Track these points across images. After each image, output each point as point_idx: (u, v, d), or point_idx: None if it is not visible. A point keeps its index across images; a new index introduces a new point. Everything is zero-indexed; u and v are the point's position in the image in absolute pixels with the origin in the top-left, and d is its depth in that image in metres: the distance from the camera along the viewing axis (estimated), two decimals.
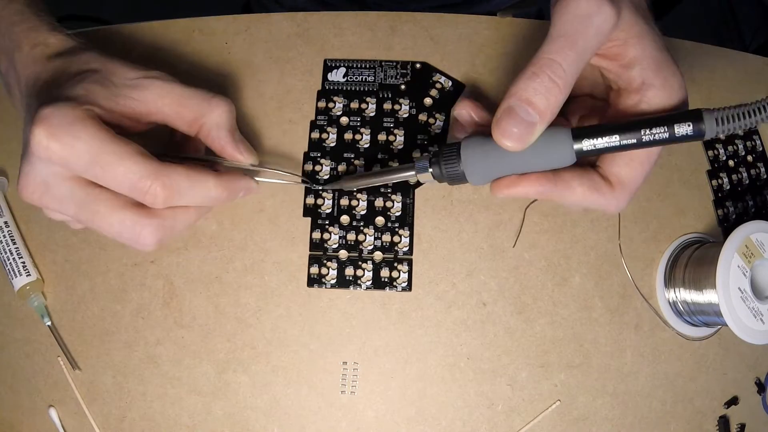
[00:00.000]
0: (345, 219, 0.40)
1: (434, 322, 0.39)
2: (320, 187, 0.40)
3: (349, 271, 0.39)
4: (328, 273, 0.39)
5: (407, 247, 0.40)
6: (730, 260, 0.36)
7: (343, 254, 0.39)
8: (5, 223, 0.40)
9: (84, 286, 0.40)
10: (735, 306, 0.35)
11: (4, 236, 0.40)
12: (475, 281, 0.40)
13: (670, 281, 0.40)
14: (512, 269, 0.40)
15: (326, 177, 0.40)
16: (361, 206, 0.40)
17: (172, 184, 0.31)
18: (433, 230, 0.40)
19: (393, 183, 0.40)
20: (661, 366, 0.40)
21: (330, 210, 0.40)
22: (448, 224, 0.40)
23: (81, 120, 0.30)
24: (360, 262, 0.39)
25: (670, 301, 0.40)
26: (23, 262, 0.39)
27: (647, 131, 0.29)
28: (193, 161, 0.36)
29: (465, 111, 0.34)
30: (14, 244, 0.40)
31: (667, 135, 0.29)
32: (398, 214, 0.40)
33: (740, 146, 0.43)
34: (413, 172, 0.34)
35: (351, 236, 0.40)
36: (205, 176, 0.33)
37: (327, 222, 0.40)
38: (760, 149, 0.44)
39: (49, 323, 0.39)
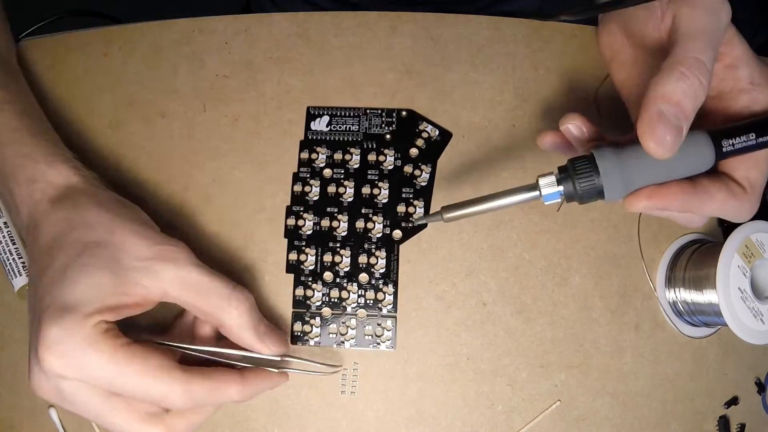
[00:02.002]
0: (328, 275, 0.39)
1: (434, 322, 0.39)
2: (417, 222, 0.39)
3: (332, 327, 0.39)
4: (312, 330, 0.39)
5: (391, 305, 0.39)
6: (730, 260, 0.36)
7: (326, 311, 0.39)
8: (5, 223, 0.40)
9: None
10: (735, 306, 0.35)
11: (4, 236, 0.40)
12: (475, 281, 0.40)
13: (670, 281, 0.40)
14: (512, 269, 0.40)
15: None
16: (345, 262, 0.39)
17: (194, 399, 0.30)
18: (430, 235, 0.40)
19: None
20: (661, 366, 0.40)
21: (313, 266, 0.39)
22: (447, 225, 0.40)
23: (92, 344, 0.28)
24: (343, 320, 0.39)
25: (670, 301, 0.40)
26: (23, 262, 0.39)
27: None
28: (213, 354, 0.33)
29: (573, 125, 0.31)
30: (14, 244, 0.40)
31: None
32: (382, 270, 0.39)
33: None
34: (537, 193, 0.30)
35: (334, 293, 0.39)
36: (228, 385, 0.31)
37: (310, 279, 0.39)
38: None
39: None
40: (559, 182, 0.30)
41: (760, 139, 0.29)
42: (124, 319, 0.31)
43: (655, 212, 0.31)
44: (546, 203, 0.30)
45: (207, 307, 0.32)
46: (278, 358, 0.34)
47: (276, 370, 0.34)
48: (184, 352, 0.33)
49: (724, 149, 0.29)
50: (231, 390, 0.31)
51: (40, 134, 0.34)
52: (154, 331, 0.37)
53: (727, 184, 0.31)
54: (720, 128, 0.29)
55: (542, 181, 0.30)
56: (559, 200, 0.30)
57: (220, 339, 0.35)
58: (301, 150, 0.41)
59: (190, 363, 0.34)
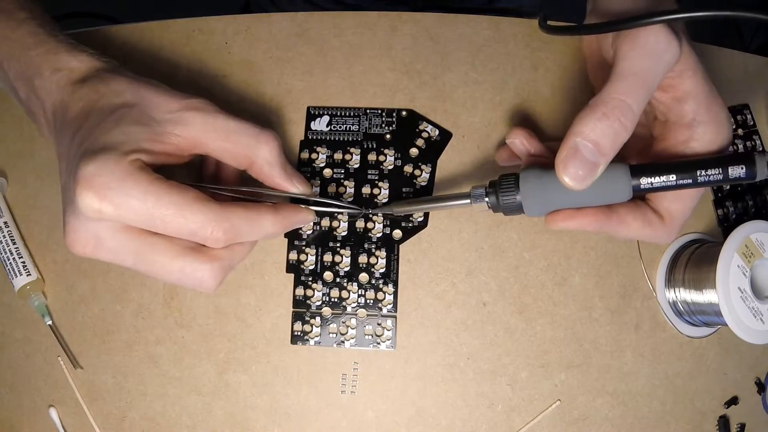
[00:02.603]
0: (328, 275, 0.39)
1: (434, 322, 0.39)
2: (371, 212, 0.39)
3: (332, 327, 0.39)
4: (312, 330, 0.39)
5: (391, 305, 0.39)
6: (730, 260, 0.36)
7: (326, 311, 0.39)
8: (5, 223, 0.40)
9: (84, 286, 0.40)
10: (735, 306, 0.35)
11: (4, 236, 0.40)
12: (475, 281, 0.40)
13: (670, 281, 0.40)
14: (512, 269, 0.40)
15: (379, 203, 0.40)
16: (345, 262, 0.39)
17: (232, 227, 0.30)
18: (430, 235, 0.40)
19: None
20: (661, 366, 0.40)
21: (313, 266, 0.40)
22: (448, 224, 0.40)
23: (130, 175, 0.28)
24: (343, 320, 0.39)
25: (670, 301, 0.40)
26: (23, 262, 0.39)
27: (702, 172, 0.30)
28: (246, 193, 0.35)
29: (518, 140, 0.34)
30: (14, 244, 0.40)
31: (721, 176, 0.29)
32: (382, 270, 0.39)
33: (740, 147, 0.43)
34: (468, 201, 0.34)
35: (334, 293, 0.39)
36: (263, 215, 0.32)
37: (310, 278, 0.39)
38: (761, 149, 0.44)
39: (50, 323, 0.39)
40: (486, 194, 0.33)
41: (680, 181, 0.30)
42: None
43: (569, 230, 0.33)
44: (476, 211, 0.35)
45: (238, 148, 0.32)
46: (304, 196, 0.36)
47: (303, 207, 0.35)
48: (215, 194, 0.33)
49: (642, 186, 0.30)
50: (266, 220, 0.32)
51: (61, 36, 0.35)
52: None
53: (645, 213, 0.32)
54: (643, 164, 0.31)
55: (473, 192, 0.34)
56: (486, 209, 0.34)
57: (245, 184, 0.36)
58: (301, 150, 0.41)
59: None
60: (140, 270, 0.30)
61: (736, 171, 0.29)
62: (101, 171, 0.28)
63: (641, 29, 0.29)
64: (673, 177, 0.30)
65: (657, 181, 0.30)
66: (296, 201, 0.36)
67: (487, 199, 0.33)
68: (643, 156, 0.35)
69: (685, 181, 0.30)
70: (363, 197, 0.40)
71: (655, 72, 0.29)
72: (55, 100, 0.32)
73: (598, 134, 0.28)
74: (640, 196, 0.33)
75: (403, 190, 0.40)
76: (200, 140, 0.32)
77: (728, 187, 0.42)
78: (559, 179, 0.29)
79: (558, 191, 0.31)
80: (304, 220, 0.35)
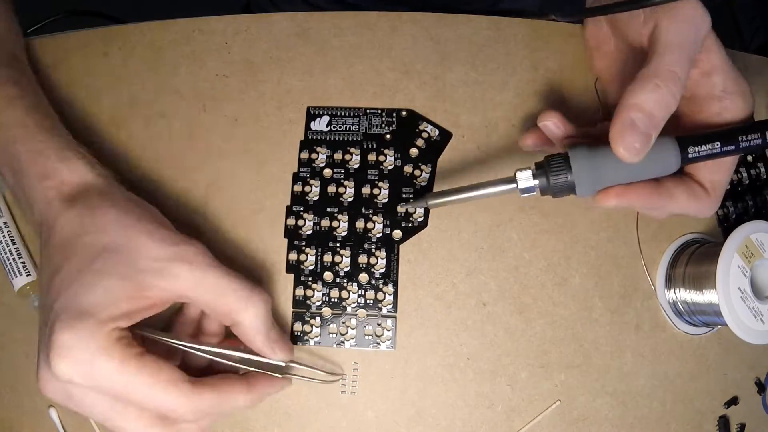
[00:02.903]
0: (328, 275, 0.39)
1: (434, 322, 0.39)
2: (404, 207, 0.39)
3: (332, 327, 0.39)
4: (312, 330, 0.39)
5: (391, 305, 0.39)
6: (730, 260, 0.36)
7: (326, 311, 0.39)
8: (5, 223, 0.40)
9: None
10: (735, 306, 0.35)
11: (4, 236, 0.40)
12: (475, 281, 0.40)
13: (670, 281, 0.40)
14: (512, 269, 0.40)
15: (411, 196, 0.39)
16: (345, 262, 0.39)
17: (201, 411, 0.30)
18: (430, 235, 0.40)
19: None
20: (661, 366, 0.40)
21: (313, 266, 0.39)
22: (448, 224, 0.40)
23: (105, 351, 0.28)
24: (343, 320, 0.39)
25: (670, 301, 0.40)
26: (23, 262, 0.39)
27: (744, 138, 0.30)
28: (218, 355, 0.33)
29: (551, 122, 0.34)
30: (14, 244, 0.40)
31: (760, 141, 0.30)
32: (382, 270, 0.39)
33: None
34: (514, 185, 0.32)
35: (334, 293, 0.39)
36: (235, 394, 0.31)
37: (310, 278, 0.39)
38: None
39: None
40: (534, 177, 0.32)
41: (724, 148, 0.31)
42: None
43: (621, 208, 0.33)
44: (522, 196, 0.33)
45: (224, 308, 0.31)
46: (282, 364, 0.35)
47: (279, 376, 0.35)
48: (187, 351, 0.33)
49: (690, 155, 0.31)
50: (238, 398, 0.31)
51: (51, 130, 0.33)
52: (158, 322, 0.37)
53: (690, 186, 0.33)
54: (688, 136, 0.31)
55: (519, 175, 0.32)
56: (535, 193, 0.33)
57: (227, 335, 0.35)
58: (301, 150, 0.41)
59: (192, 363, 0.35)
60: (108, 429, 0.30)
61: None
62: (75, 344, 0.27)
63: (679, 3, 0.30)
64: (717, 144, 0.31)
65: (703, 149, 0.31)
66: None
67: (536, 181, 0.32)
68: (679, 131, 0.35)
69: (729, 148, 0.31)
70: (363, 197, 0.40)
71: (696, 43, 0.30)
72: (41, 212, 0.32)
73: (652, 105, 0.29)
74: (680, 170, 0.33)
75: (403, 190, 0.40)
76: (186, 295, 0.31)
77: (728, 187, 0.42)
78: (615, 152, 0.29)
79: (609, 167, 0.31)
80: (279, 390, 0.35)
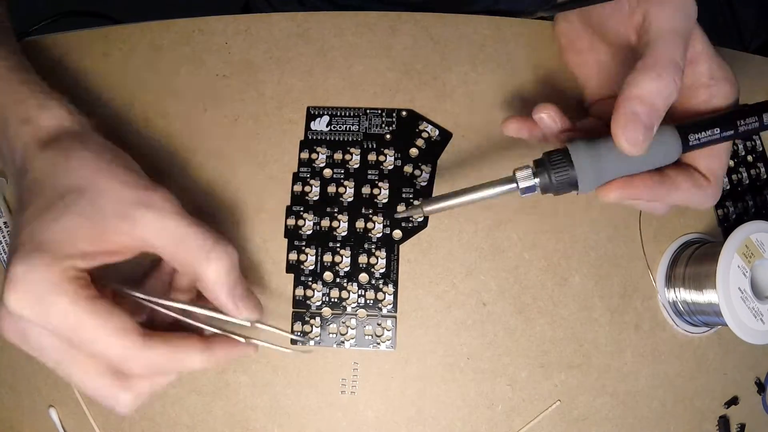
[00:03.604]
0: (328, 275, 0.39)
1: (434, 322, 0.39)
2: (398, 215, 0.39)
3: (332, 327, 0.39)
4: (312, 330, 0.39)
5: (391, 305, 0.39)
6: (730, 260, 0.36)
7: (326, 311, 0.39)
8: (5, 223, 0.40)
9: None
10: (735, 306, 0.35)
11: (4, 236, 0.40)
12: (475, 281, 0.40)
13: (670, 281, 0.40)
14: (512, 269, 0.40)
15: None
16: (345, 262, 0.39)
17: (151, 365, 0.28)
18: (430, 235, 0.40)
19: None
20: (661, 366, 0.40)
21: (313, 266, 0.39)
22: (448, 224, 0.40)
23: (56, 288, 0.27)
24: (343, 319, 0.39)
25: (670, 301, 0.40)
26: None
27: (742, 122, 0.30)
28: (182, 312, 0.31)
29: (547, 115, 0.33)
30: None
31: (758, 124, 0.30)
32: (382, 270, 0.39)
33: (740, 146, 0.43)
34: (514, 185, 0.31)
35: (334, 293, 0.39)
36: (190, 351, 0.30)
37: (310, 278, 0.39)
38: (760, 149, 0.44)
39: None
40: (535, 175, 0.31)
41: (724, 134, 0.31)
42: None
43: (624, 202, 0.32)
44: (522, 196, 0.32)
45: (185, 259, 0.30)
46: (248, 324, 0.32)
47: (244, 340, 0.32)
48: (153, 307, 0.31)
49: (691, 143, 0.31)
50: (193, 358, 0.30)
51: (32, 83, 0.34)
52: (131, 275, 0.35)
53: (692, 175, 0.32)
54: (687, 123, 0.31)
55: (519, 174, 0.31)
56: (533, 192, 0.32)
57: (200, 296, 0.33)
58: (301, 150, 0.41)
59: (158, 320, 0.33)
60: (59, 375, 0.29)
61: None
62: (28, 277, 0.27)
63: None
64: (717, 130, 0.30)
65: (703, 136, 0.30)
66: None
67: (537, 179, 0.31)
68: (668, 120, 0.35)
69: (728, 133, 0.31)
70: (363, 197, 0.40)
71: (689, 29, 0.30)
72: (21, 157, 0.32)
73: (655, 96, 0.28)
74: (681, 162, 0.33)
75: (403, 190, 0.40)
76: (148, 241, 0.30)
77: (728, 187, 0.43)
78: (618, 146, 0.29)
79: (610, 160, 0.30)
80: (242, 356, 0.33)
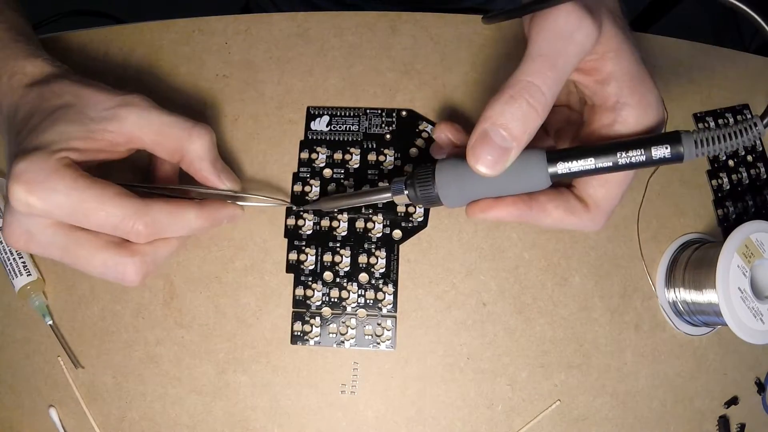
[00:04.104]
0: (328, 275, 0.39)
1: (434, 322, 0.39)
2: (301, 209, 0.40)
3: (332, 327, 0.39)
4: (312, 330, 0.39)
5: (391, 305, 0.39)
6: (730, 260, 0.36)
7: (326, 311, 0.39)
8: None
9: (84, 286, 0.40)
10: (735, 306, 0.35)
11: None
12: (475, 281, 0.40)
13: (670, 281, 0.40)
14: (512, 269, 0.40)
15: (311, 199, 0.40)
16: (345, 262, 0.39)
17: (153, 221, 0.31)
18: (430, 235, 0.40)
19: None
20: (661, 366, 0.40)
21: (313, 266, 0.40)
22: (448, 224, 0.40)
23: (56, 171, 0.30)
24: (343, 319, 0.39)
25: (670, 301, 0.40)
26: (23, 262, 0.39)
27: (623, 154, 0.28)
28: (174, 191, 0.36)
29: (443, 134, 0.34)
30: None
31: (644, 158, 0.28)
32: (382, 270, 0.39)
33: (740, 146, 0.43)
34: (389, 194, 0.34)
35: (334, 293, 0.39)
36: (185, 209, 0.33)
37: (310, 278, 0.39)
38: (760, 149, 0.44)
39: (50, 323, 0.39)
40: (406, 187, 0.33)
41: (600, 165, 0.29)
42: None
43: (491, 221, 0.32)
44: (397, 204, 0.34)
45: (170, 141, 0.34)
46: (231, 193, 0.36)
47: (230, 202, 0.36)
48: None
49: (559, 172, 0.29)
50: (189, 214, 0.33)
51: (23, 41, 0.36)
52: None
53: (567, 201, 0.31)
54: (559, 150, 0.30)
55: (393, 186, 0.34)
56: (407, 201, 0.33)
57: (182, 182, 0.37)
58: (301, 150, 0.41)
59: None
60: (67, 263, 0.32)
61: (660, 151, 0.28)
62: (30, 167, 0.29)
63: (551, 10, 0.28)
64: (591, 161, 0.28)
65: (575, 165, 0.29)
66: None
67: (406, 191, 0.33)
68: (577, 142, 0.34)
69: (605, 164, 0.28)
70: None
71: (567, 53, 0.28)
72: (10, 103, 0.34)
73: (507, 118, 0.27)
74: (564, 183, 0.32)
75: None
76: (134, 135, 0.33)
77: (728, 187, 0.43)
78: (470, 165, 0.28)
79: (474, 181, 0.30)
80: (231, 215, 0.36)
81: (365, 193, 0.36)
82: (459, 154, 0.32)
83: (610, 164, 0.28)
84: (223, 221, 0.35)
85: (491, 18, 0.34)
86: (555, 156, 0.29)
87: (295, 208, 0.40)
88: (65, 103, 0.33)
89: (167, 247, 0.34)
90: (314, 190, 0.40)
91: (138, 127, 0.33)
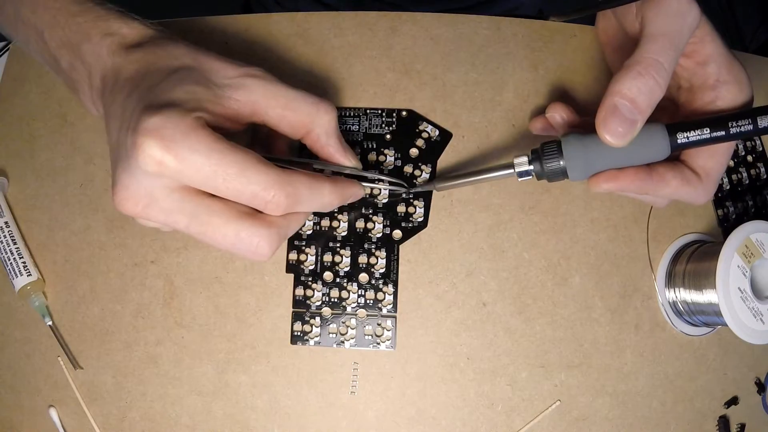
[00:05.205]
0: (328, 275, 0.39)
1: (434, 322, 0.39)
2: (412, 191, 0.40)
3: (332, 327, 0.39)
4: (312, 330, 0.39)
5: (391, 305, 0.39)
6: (730, 260, 0.36)
7: (326, 311, 0.39)
8: (6, 223, 0.40)
9: (84, 286, 0.40)
10: (735, 306, 0.35)
11: (5, 236, 0.40)
12: (475, 281, 0.40)
13: (670, 281, 0.40)
14: (512, 269, 0.40)
15: (419, 184, 0.40)
16: (345, 262, 0.39)
17: (295, 192, 0.29)
18: (430, 235, 0.40)
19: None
20: (661, 366, 0.40)
21: (313, 266, 0.39)
22: (448, 224, 0.40)
23: (194, 130, 0.27)
24: (343, 320, 0.39)
25: (670, 301, 0.40)
26: (24, 262, 0.39)
27: (734, 123, 0.31)
28: (298, 164, 0.33)
29: (557, 114, 0.36)
30: (15, 244, 0.40)
31: (751, 127, 0.31)
32: (382, 270, 0.39)
33: (740, 146, 0.43)
34: (512, 170, 0.35)
35: (334, 293, 0.39)
36: (322, 184, 0.31)
37: (310, 278, 0.39)
38: (760, 149, 0.44)
39: (50, 323, 0.39)
40: (530, 162, 0.34)
41: (714, 134, 0.32)
42: None
43: (619, 193, 0.34)
44: (519, 180, 0.35)
45: (297, 116, 0.32)
46: (355, 171, 0.36)
47: (356, 181, 0.35)
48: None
49: (679, 141, 0.32)
50: (324, 189, 0.31)
51: (109, 4, 0.34)
52: None
53: (683, 171, 0.33)
54: (677, 122, 0.32)
55: (516, 161, 0.34)
56: (529, 177, 0.35)
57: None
58: (301, 150, 0.41)
59: None
60: (192, 233, 0.29)
61: (765, 121, 0.31)
62: (166, 123, 0.26)
63: None
64: (707, 130, 0.31)
65: (692, 135, 0.32)
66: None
67: (531, 166, 0.34)
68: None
69: (719, 134, 0.31)
70: (363, 197, 0.40)
71: (681, 32, 0.31)
72: (106, 64, 0.32)
73: (635, 92, 0.30)
74: (675, 156, 0.34)
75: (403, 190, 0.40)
76: (259, 106, 0.31)
77: (728, 187, 0.43)
78: (600, 137, 0.31)
79: (599, 153, 0.32)
80: (357, 194, 0.35)
81: (484, 170, 0.36)
82: (573, 131, 0.34)
83: (723, 134, 0.31)
84: (349, 199, 0.34)
85: (559, 15, 0.38)
86: (674, 127, 0.32)
87: (405, 192, 0.40)
88: (184, 65, 0.30)
89: (298, 222, 0.32)
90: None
91: (264, 99, 0.31)
